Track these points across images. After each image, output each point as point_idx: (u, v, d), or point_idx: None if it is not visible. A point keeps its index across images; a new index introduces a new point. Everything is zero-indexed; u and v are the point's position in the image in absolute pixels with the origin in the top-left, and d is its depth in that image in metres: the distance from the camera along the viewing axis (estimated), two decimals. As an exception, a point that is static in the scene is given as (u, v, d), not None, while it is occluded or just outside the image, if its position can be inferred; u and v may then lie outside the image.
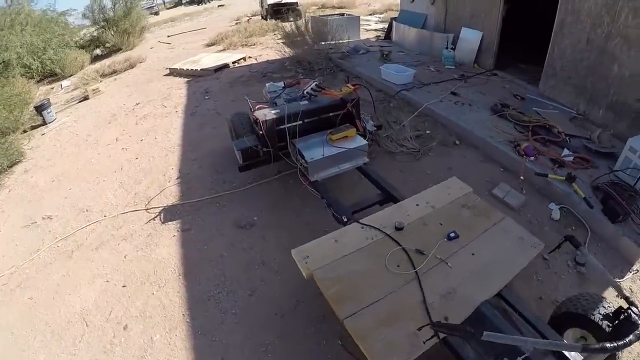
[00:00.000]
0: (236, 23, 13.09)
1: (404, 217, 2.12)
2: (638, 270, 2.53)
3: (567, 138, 3.49)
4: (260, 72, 6.59)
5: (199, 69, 6.96)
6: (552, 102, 4.39)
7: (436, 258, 1.88)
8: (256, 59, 7.63)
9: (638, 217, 2.65)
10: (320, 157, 2.68)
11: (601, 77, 3.79)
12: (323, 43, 7.07)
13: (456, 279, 1.79)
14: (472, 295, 1.74)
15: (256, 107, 3.01)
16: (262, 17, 12.94)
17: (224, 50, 8.82)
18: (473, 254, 1.93)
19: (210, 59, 7.61)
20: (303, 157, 2.70)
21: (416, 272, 1.79)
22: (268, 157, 2.95)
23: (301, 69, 6.33)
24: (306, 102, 3.06)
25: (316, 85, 3.17)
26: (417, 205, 2.22)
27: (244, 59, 7.63)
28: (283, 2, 12.42)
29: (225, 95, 5.72)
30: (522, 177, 3.03)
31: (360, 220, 2.08)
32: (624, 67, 3.53)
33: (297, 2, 12.73)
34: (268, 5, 12.59)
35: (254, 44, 9.14)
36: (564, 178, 2.91)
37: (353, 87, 3.10)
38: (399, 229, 2.01)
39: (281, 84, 3.47)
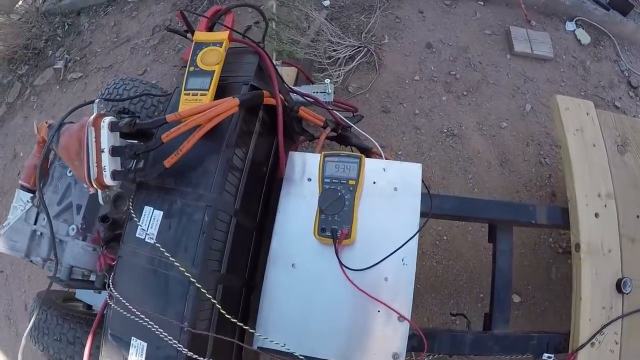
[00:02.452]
0: None
1: (607, 259, 1.12)
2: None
3: None
4: None
5: None
6: None
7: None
8: None
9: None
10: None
11: None
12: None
13: None
14: None
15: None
16: None
17: None
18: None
19: None
20: None
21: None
22: None
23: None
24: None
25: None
26: (596, 216, 1.15)
27: None
28: None
29: None
30: (523, 5, 2.07)
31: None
32: None
33: None
34: None
35: None
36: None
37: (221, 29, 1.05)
38: (625, 292, 1.08)
39: (21, 208, 1.20)
